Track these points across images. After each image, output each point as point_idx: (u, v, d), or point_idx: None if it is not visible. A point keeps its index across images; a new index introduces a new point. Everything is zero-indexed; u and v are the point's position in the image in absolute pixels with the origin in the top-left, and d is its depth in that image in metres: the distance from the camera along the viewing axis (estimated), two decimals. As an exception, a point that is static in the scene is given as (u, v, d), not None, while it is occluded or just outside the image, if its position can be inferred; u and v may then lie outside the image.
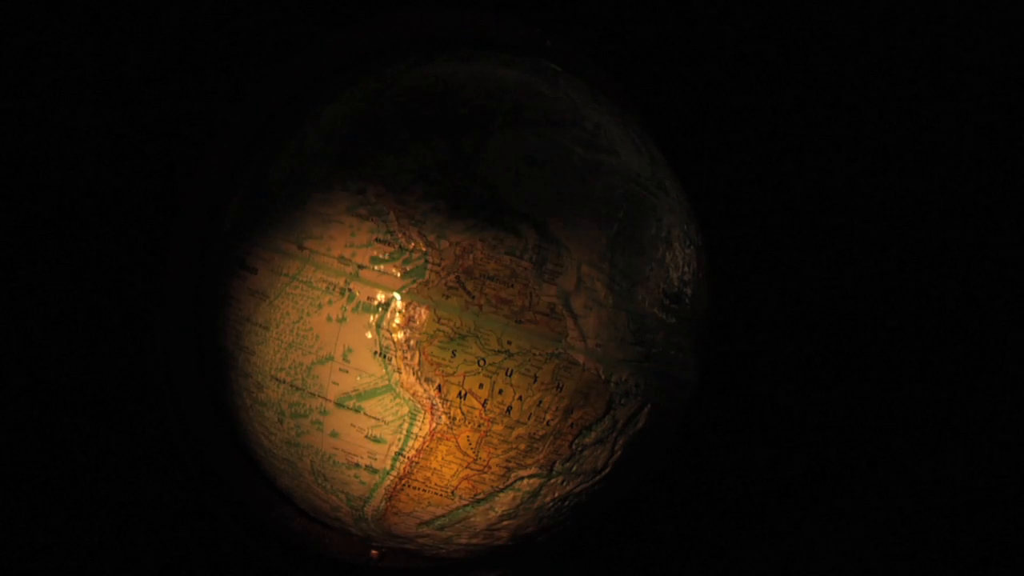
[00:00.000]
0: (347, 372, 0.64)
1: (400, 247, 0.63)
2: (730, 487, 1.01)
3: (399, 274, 0.63)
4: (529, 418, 0.64)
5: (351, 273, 0.63)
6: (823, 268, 1.01)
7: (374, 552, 0.82)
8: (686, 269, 0.71)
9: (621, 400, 0.67)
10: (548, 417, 0.65)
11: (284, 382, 0.66)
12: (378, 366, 0.63)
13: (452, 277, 0.62)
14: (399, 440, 0.64)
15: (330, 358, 0.64)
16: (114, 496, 0.83)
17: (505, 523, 0.70)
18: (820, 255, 1.01)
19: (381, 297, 0.63)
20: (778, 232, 1.01)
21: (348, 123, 0.68)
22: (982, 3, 0.93)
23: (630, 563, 0.97)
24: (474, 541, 0.71)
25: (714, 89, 0.98)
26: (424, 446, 0.64)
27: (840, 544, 0.97)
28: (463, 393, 0.63)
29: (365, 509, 0.69)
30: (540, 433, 0.65)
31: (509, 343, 0.63)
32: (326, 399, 0.65)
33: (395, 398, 0.63)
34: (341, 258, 0.64)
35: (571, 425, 0.66)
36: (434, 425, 0.64)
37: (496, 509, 0.68)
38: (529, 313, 0.63)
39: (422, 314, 0.62)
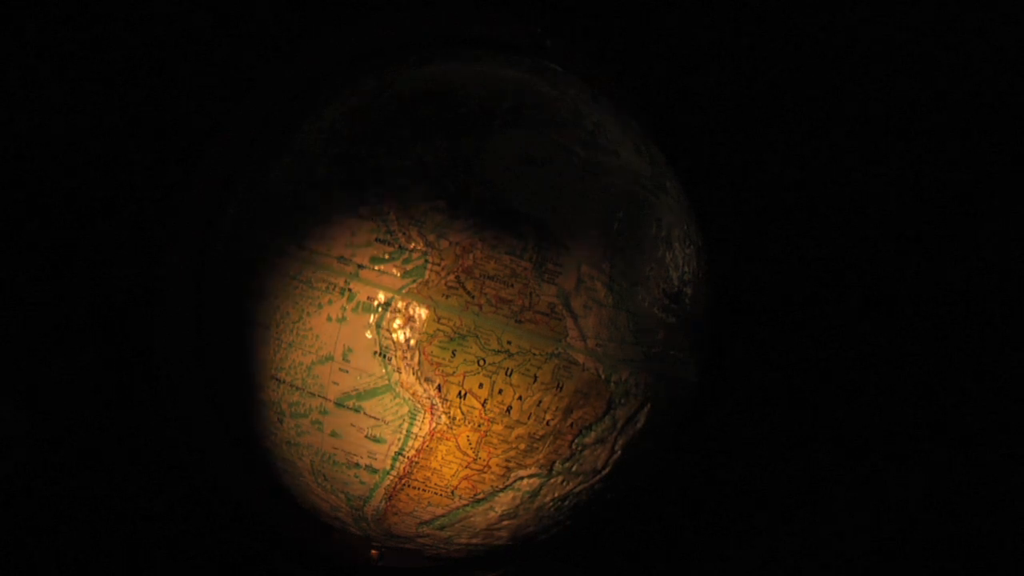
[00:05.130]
0: (347, 372, 0.64)
1: (400, 247, 0.63)
2: (730, 487, 1.00)
3: (399, 274, 0.63)
4: (529, 418, 0.64)
5: (351, 273, 0.63)
6: (823, 268, 1.01)
7: (374, 552, 0.82)
8: (686, 269, 0.71)
9: (621, 400, 0.67)
10: (548, 417, 0.65)
11: (284, 382, 0.66)
12: (378, 366, 0.63)
13: (452, 277, 0.62)
14: (399, 440, 0.64)
15: (330, 358, 0.64)
16: (114, 496, 0.83)
17: (505, 523, 0.70)
18: (820, 255, 1.01)
19: (381, 297, 0.63)
20: (778, 232, 1.01)
21: (348, 123, 0.68)
22: (982, 3, 0.93)
23: (630, 563, 0.97)
24: (474, 541, 0.71)
25: (714, 89, 0.97)
26: (424, 446, 0.64)
27: (840, 544, 0.97)
28: (463, 393, 0.63)
29: (365, 509, 0.69)
30: (540, 433, 0.65)
31: (509, 343, 0.63)
32: (326, 399, 0.65)
33: (395, 398, 0.63)
34: (341, 258, 0.64)
35: (571, 425, 0.66)
36: (434, 425, 0.64)
37: (496, 509, 0.68)
38: (529, 313, 0.63)
39: (422, 314, 0.62)
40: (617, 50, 0.94)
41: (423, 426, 0.64)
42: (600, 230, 0.66)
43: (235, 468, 0.81)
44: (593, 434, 0.67)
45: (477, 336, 0.62)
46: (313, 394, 0.65)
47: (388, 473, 0.66)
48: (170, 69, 0.82)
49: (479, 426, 0.64)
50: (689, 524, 0.99)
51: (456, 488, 0.66)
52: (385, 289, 0.63)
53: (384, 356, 0.63)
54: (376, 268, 0.63)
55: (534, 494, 0.68)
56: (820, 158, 0.99)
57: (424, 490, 0.66)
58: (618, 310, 0.65)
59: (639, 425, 0.69)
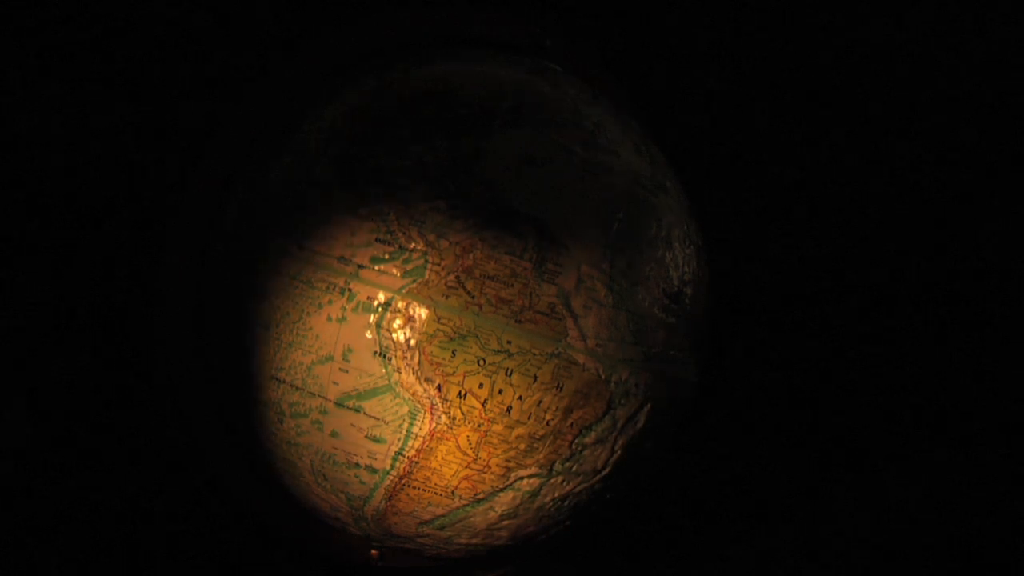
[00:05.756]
0: (347, 372, 0.64)
1: (400, 247, 0.63)
2: (730, 487, 1.01)
3: (399, 274, 0.63)
4: (529, 418, 0.64)
5: (351, 273, 0.63)
6: (823, 268, 1.01)
7: (374, 552, 0.82)
8: (686, 269, 0.71)
9: (621, 400, 0.67)
10: (548, 417, 0.65)
11: (284, 382, 0.66)
12: (378, 366, 0.63)
13: (452, 277, 0.62)
14: (399, 440, 0.64)
15: (330, 358, 0.64)
16: (114, 496, 0.83)
17: (505, 523, 0.70)
18: (820, 255, 1.01)
19: (381, 297, 0.63)
20: (778, 232, 1.01)
21: (348, 123, 0.68)
22: (982, 3, 0.93)
23: (630, 563, 0.97)
24: (474, 541, 0.71)
25: (714, 89, 0.98)
26: (424, 446, 0.64)
27: (840, 544, 0.97)
28: (463, 393, 0.63)
29: (365, 509, 0.69)
30: (540, 433, 0.65)
31: (509, 343, 0.63)
32: (326, 399, 0.65)
33: (395, 398, 0.63)
34: (341, 258, 0.64)
35: (571, 425, 0.66)
36: (434, 425, 0.64)
37: (496, 509, 0.68)
38: (529, 313, 0.63)
39: (422, 314, 0.62)
40: (617, 50, 0.94)
41: (423, 426, 0.64)
42: (600, 230, 0.66)
43: (235, 468, 0.81)
44: (593, 434, 0.67)
45: (477, 336, 0.62)
46: (313, 394, 0.65)
47: (388, 473, 0.66)
48: (170, 69, 0.82)
49: (479, 426, 0.64)
50: (689, 524, 0.99)
51: (456, 488, 0.66)
52: (385, 289, 0.63)
53: (384, 356, 0.63)
54: (376, 268, 0.63)
55: (534, 494, 0.68)
56: (820, 158, 0.99)
57: (424, 490, 0.66)
58: (618, 310, 0.65)
59: (639, 425, 0.69)
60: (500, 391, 0.63)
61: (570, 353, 0.64)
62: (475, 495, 0.67)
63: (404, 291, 0.62)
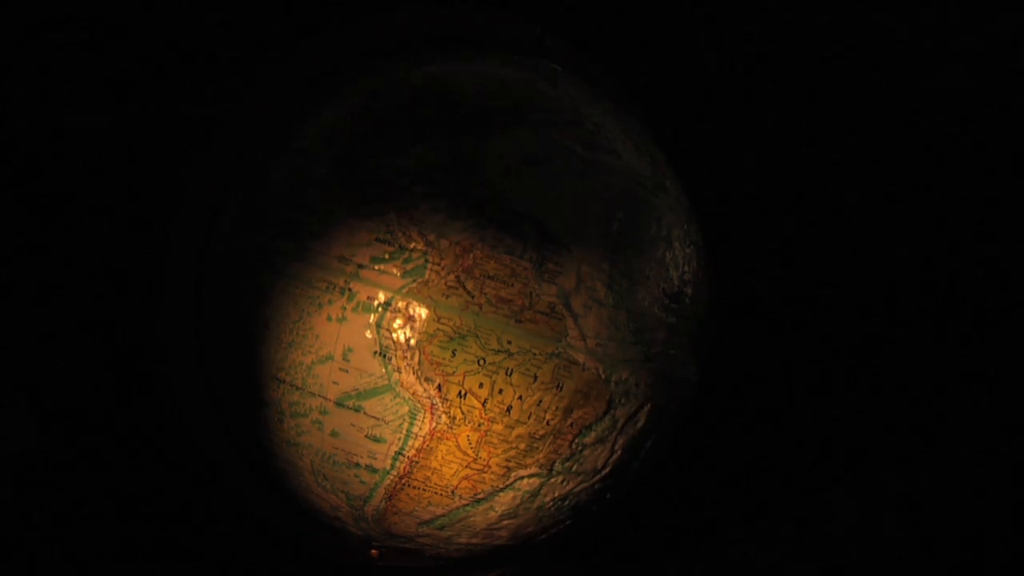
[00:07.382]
0: (347, 372, 0.64)
1: (400, 246, 0.63)
2: (730, 487, 1.01)
3: (399, 273, 0.63)
4: (529, 418, 0.64)
5: (351, 273, 0.63)
6: (823, 268, 1.01)
7: (374, 552, 0.82)
8: (686, 268, 0.71)
9: (621, 400, 0.67)
10: (548, 417, 0.65)
11: (284, 382, 0.66)
12: (378, 366, 0.63)
13: (452, 276, 0.62)
14: (399, 439, 0.64)
15: (330, 357, 0.64)
16: (114, 497, 0.83)
17: (505, 523, 0.70)
18: (820, 255, 1.01)
19: (381, 297, 0.63)
20: (778, 232, 1.01)
21: (348, 123, 0.68)
22: (982, 3, 0.93)
23: (630, 563, 0.97)
24: (474, 541, 0.71)
25: (714, 89, 0.98)
26: (424, 445, 0.64)
27: (840, 544, 0.97)
28: (463, 392, 0.63)
29: (365, 509, 0.69)
30: (540, 432, 0.65)
31: (509, 343, 0.63)
32: (326, 399, 0.65)
33: (395, 397, 0.63)
34: (341, 258, 0.64)
35: (571, 424, 0.66)
36: (434, 424, 0.64)
37: (496, 509, 0.68)
38: (529, 313, 0.63)
39: (422, 314, 0.62)
40: (617, 50, 0.94)
41: (423, 426, 0.64)
42: (600, 230, 0.66)
43: (235, 468, 0.81)
44: (593, 434, 0.67)
45: (477, 336, 0.62)
46: (313, 394, 0.65)
47: (388, 473, 0.66)
48: (171, 69, 0.82)
49: (479, 426, 0.64)
50: (689, 524, 0.99)
51: (456, 488, 0.66)
52: (385, 289, 0.63)
53: (384, 356, 0.63)
54: (376, 268, 0.63)
55: (534, 494, 0.68)
56: (820, 158, 1.00)
57: (424, 490, 0.66)
58: (618, 310, 0.66)
59: (639, 425, 0.69)
60: (500, 391, 0.63)
61: (570, 353, 0.64)
62: (475, 495, 0.67)
63: (404, 291, 0.62)
